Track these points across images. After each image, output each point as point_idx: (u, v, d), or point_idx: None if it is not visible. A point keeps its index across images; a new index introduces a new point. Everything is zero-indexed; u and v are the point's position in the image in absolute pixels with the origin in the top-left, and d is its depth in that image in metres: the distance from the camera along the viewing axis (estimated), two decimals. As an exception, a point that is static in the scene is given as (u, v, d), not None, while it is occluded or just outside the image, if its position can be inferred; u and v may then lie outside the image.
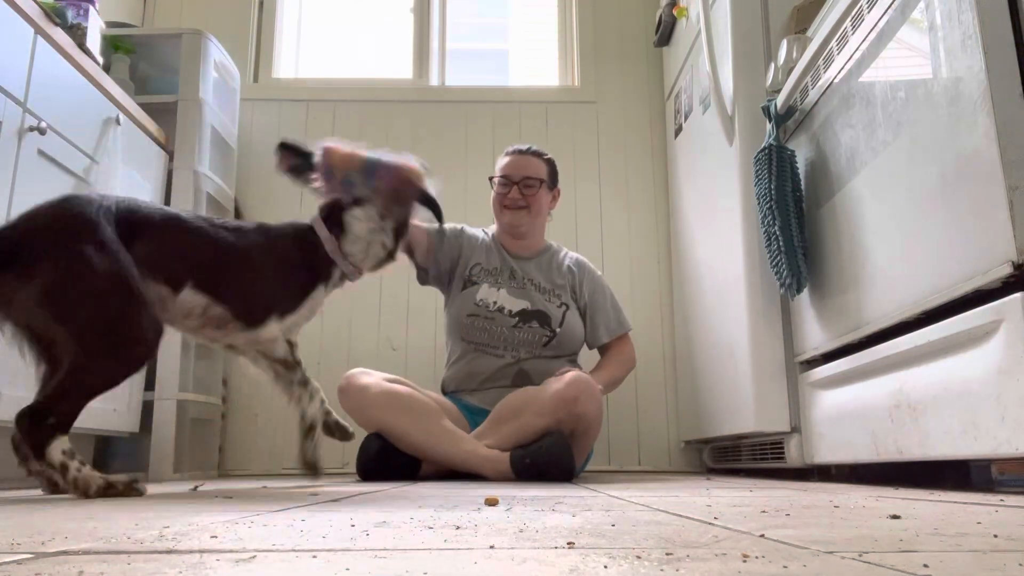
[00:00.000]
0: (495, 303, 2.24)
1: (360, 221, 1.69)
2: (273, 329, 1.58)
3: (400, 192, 1.74)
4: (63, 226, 1.27)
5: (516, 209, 2.31)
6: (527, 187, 2.31)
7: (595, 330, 2.35)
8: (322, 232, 1.67)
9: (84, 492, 1.22)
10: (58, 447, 1.22)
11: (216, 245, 1.51)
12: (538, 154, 2.37)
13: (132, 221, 1.38)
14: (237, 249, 1.53)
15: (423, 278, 2.38)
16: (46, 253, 1.23)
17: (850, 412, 1.69)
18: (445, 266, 2.33)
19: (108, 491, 1.23)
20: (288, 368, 1.64)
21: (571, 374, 2.01)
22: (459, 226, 2.39)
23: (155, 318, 1.35)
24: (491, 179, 2.40)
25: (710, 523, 0.76)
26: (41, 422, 1.21)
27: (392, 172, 1.71)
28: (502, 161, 2.37)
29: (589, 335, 2.35)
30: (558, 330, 2.25)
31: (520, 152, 2.36)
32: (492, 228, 2.44)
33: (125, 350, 1.28)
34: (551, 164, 2.39)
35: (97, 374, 1.26)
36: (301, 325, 1.67)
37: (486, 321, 2.23)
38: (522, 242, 2.37)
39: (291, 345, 1.65)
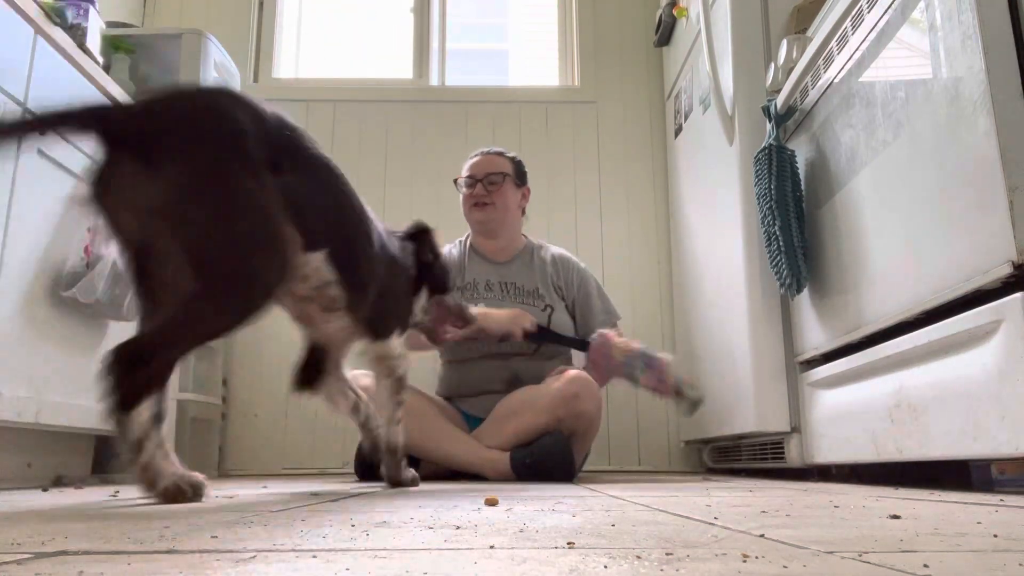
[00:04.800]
0: None
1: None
2: (397, 345, 1.49)
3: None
4: (211, 124, 1.05)
5: (483, 206, 2.29)
6: (491, 183, 2.29)
7: (586, 325, 2.31)
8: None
9: (150, 485, 1.01)
10: (147, 411, 1.00)
11: (363, 227, 1.34)
12: (501, 153, 2.38)
13: (284, 145, 1.15)
14: (382, 246, 1.40)
15: None
16: (182, 147, 1.01)
17: (850, 412, 1.69)
18: None
19: (175, 495, 1.01)
20: (396, 389, 1.52)
21: (570, 372, 2.01)
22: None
23: (287, 262, 1.12)
24: (455, 181, 2.38)
25: (710, 523, 0.76)
26: (139, 366, 0.98)
27: (659, 367, 2.00)
28: (466, 164, 2.37)
29: (580, 330, 2.33)
30: None
31: (483, 153, 2.37)
32: (466, 237, 2.41)
33: (247, 290, 1.06)
34: (516, 162, 2.38)
35: (212, 316, 1.04)
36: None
37: (468, 340, 2.15)
38: (497, 243, 2.34)
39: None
